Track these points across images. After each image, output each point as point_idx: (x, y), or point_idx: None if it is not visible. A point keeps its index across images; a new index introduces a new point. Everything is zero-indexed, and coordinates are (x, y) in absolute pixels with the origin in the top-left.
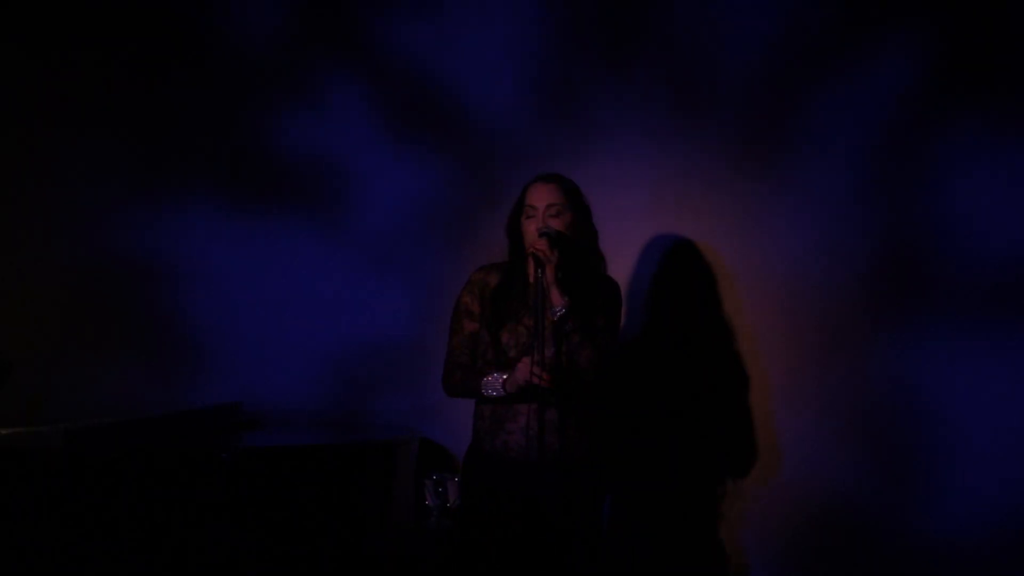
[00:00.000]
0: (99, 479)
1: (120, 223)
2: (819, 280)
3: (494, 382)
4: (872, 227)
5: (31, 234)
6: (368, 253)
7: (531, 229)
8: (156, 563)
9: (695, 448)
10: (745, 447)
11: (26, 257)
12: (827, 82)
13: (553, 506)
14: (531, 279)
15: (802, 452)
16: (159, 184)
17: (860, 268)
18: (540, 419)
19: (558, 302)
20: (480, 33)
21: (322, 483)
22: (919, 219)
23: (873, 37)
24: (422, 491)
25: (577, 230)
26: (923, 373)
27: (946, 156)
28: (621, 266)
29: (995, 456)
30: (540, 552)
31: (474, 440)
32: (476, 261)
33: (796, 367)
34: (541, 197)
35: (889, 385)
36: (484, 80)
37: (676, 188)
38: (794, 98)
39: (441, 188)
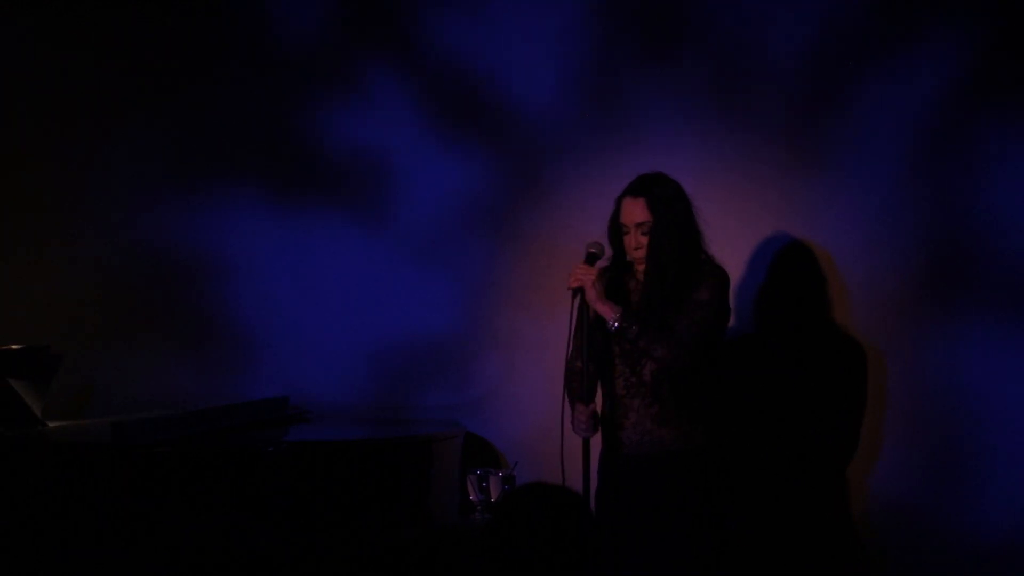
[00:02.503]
0: (146, 472)
1: (165, 217)
2: (865, 278)
3: (575, 420)
4: (918, 224)
5: (78, 229)
6: (411, 247)
7: (629, 245)
8: (202, 555)
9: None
10: (809, 448)
11: (74, 252)
12: (871, 78)
13: (671, 498)
14: (574, 312)
15: (863, 457)
16: (205, 178)
17: (906, 266)
18: (648, 415)
19: (610, 315)
20: (522, 27)
21: (367, 478)
22: (964, 216)
23: (918, 31)
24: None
25: (669, 242)
26: (973, 372)
27: (991, 152)
28: None
29: None
30: (660, 545)
31: (601, 441)
32: (519, 255)
33: (849, 369)
34: (631, 215)
35: (940, 385)
36: (526, 74)
37: (720, 182)
38: (838, 94)
39: (484, 182)
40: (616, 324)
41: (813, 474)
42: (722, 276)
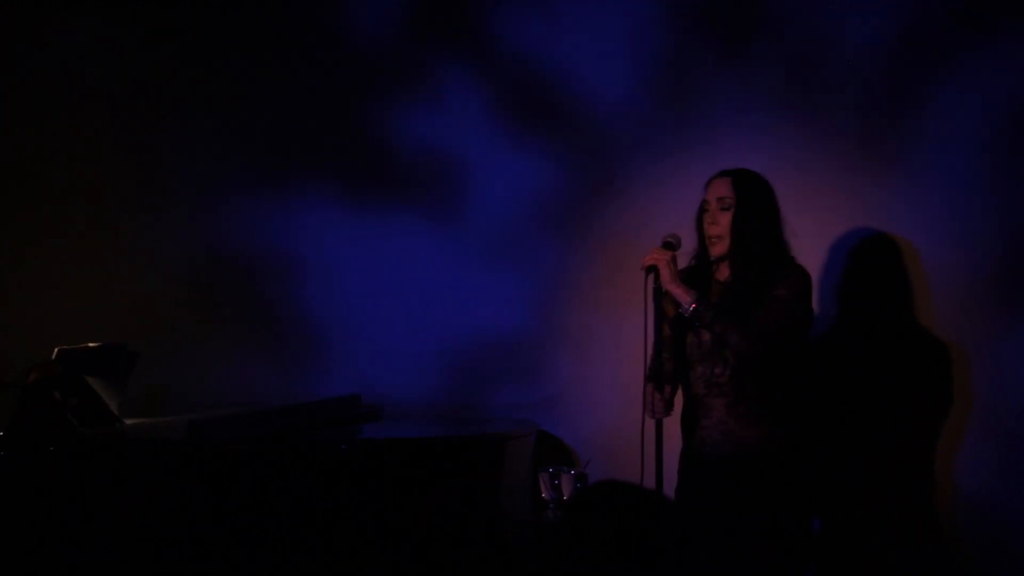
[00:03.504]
0: (222, 469)
1: (240, 215)
2: (947, 277)
3: (645, 402)
4: (996, 223)
5: (153, 227)
6: (483, 245)
7: (706, 223)
8: (276, 551)
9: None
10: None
11: (149, 251)
12: (950, 75)
13: (754, 500)
14: (648, 295)
15: (945, 456)
16: (279, 176)
17: (984, 265)
18: (731, 414)
19: (685, 299)
20: (594, 25)
21: (438, 476)
22: None
23: (998, 29)
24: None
25: (750, 223)
26: None
27: None
28: None
29: None
30: (744, 547)
31: (682, 439)
32: (591, 254)
33: (931, 367)
34: (714, 191)
35: (1020, 381)
36: (598, 73)
37: (794, 183)
38: (915, 92)
39: (556, 181)
40: (692, 307)
41: (897, 474)
42: (803, 276)
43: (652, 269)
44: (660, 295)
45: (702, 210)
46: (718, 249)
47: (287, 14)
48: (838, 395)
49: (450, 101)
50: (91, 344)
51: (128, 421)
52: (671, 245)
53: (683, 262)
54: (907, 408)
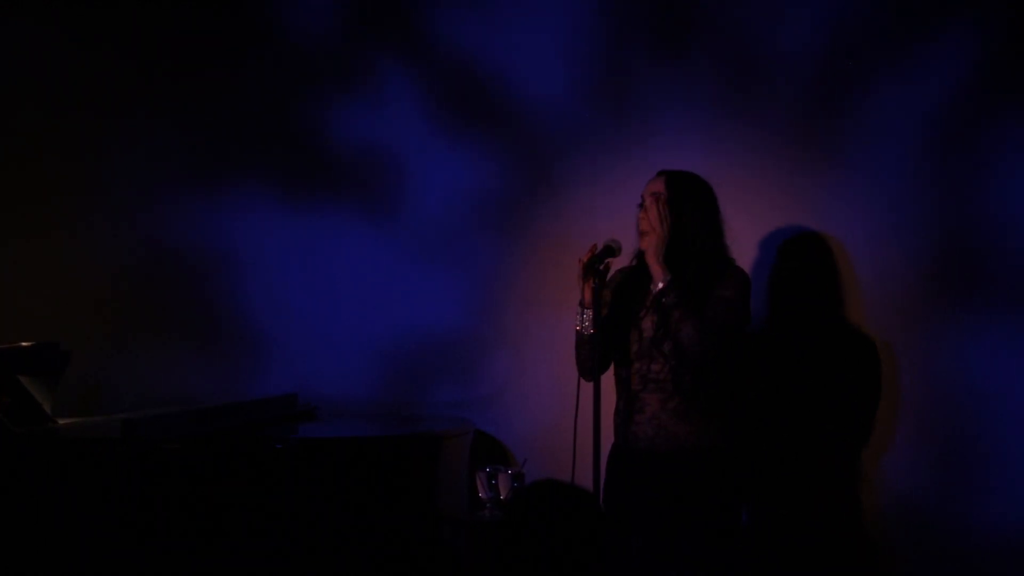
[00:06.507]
0: (156, 469)
1: (175, 213)
2: (880, 276)
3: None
4: (929, 221)
5: (87, 225)
6: (420, 244)
7: (639, 218)
8: (211, 551)
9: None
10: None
11: (83, 249)
12: (883, 74)
13: (685, 495)
14: (587, 293)
15: (874, 452)
16: (215, 174)
17: (917, 263)
18: (665, 410)
19: (660, 275)
20: (532, 24)
21: (376, 474)
22: (974, 213)
23: (930, 28)
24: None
25: (685, 218)
26: (981, 368)
27: (1002, 149)
28: None
29: None
30: (674, 541)
31: (614, 435)
32: (527, 253)
33: (861, 365)
34: (648, 188)
35: (949, 380)
36: (536, 72)
37: (730, 179)
38: (849, 90)
39: (492, 180)
40: (661, 284)
41: (825, 470)
42: (745, 278)
43: (592, 272)
44: (599, 296)
45: (639, 208)
46: (646, 238)
47: (223, 12)
48: (770, 391)
49: (387, 99)
50: (23, 343)
51: (61, 421)
52: (611, 249)
53: (625, 264)
54: (837, 405)
